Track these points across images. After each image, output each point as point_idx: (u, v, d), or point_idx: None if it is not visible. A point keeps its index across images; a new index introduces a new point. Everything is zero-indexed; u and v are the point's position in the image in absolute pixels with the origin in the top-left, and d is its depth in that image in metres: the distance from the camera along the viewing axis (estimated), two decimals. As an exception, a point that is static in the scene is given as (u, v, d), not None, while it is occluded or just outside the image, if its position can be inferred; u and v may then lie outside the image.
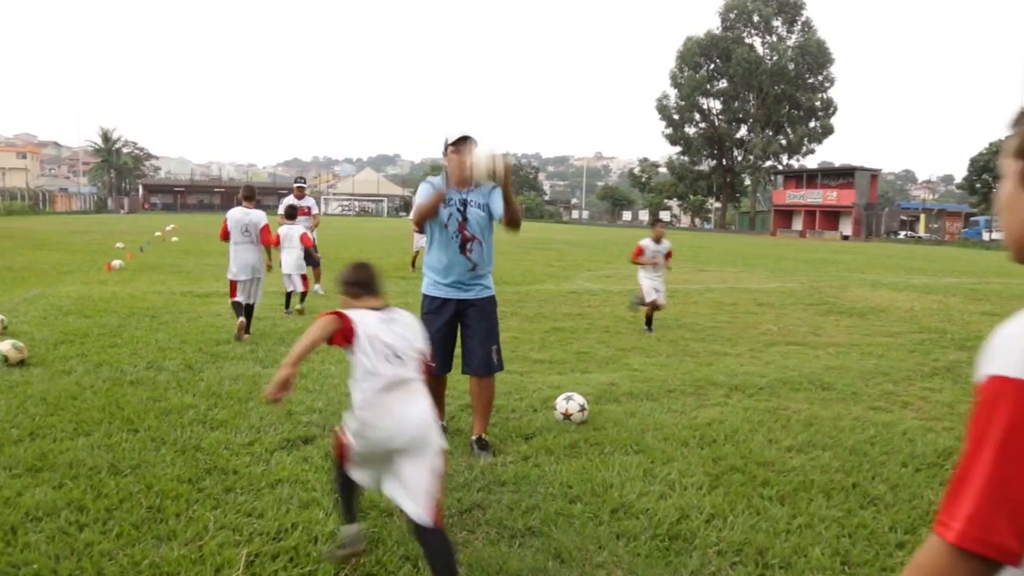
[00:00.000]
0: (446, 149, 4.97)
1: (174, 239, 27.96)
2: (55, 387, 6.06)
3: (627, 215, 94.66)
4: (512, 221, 4.93)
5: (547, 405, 5.95)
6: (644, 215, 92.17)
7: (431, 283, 5.13)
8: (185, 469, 4.38)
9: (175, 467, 4.41)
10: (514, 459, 4.76)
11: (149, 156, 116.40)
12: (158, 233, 30.78)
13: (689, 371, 7.55)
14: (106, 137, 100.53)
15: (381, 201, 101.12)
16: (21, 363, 6.80)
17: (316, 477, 4.31)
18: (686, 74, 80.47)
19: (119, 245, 23.59)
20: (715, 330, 10.34)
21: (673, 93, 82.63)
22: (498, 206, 4.88)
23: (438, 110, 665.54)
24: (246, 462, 4.53)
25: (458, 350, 5.23)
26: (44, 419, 5.21)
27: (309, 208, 13.03)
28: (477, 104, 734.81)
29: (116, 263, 16.59)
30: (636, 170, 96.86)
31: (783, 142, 79.98)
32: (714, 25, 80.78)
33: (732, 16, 78.61)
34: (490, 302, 5.15)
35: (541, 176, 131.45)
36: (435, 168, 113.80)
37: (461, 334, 5.14)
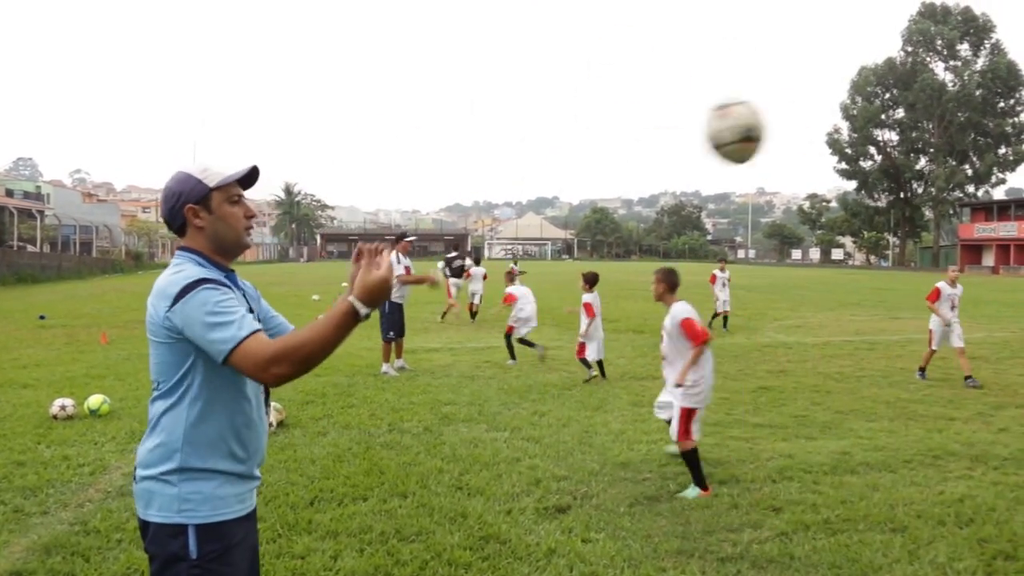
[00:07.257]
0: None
1: (361, 289, 29.40)
2: (319, 450, 6.67)
3: (796, 253, 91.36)
4: None
5: (785, 476, 5.98)
6: (815, 253, 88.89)
7: None
8: (462, 537, 4.75)
9: (453, 535, 4.79)
10: (771, 535, 4.82)
11: (324, 206, 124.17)
12: (344, 283, 32.46)
13: (920, 438, 7.30)
14: (288, 190, 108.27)
15: (544, 244, 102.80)
16: (280, 424, 7.52)
17: (588, 549, 4.56)
18: (859, 105, 77.48)
19: (315, 297, 25.28)
20: (932, 389, 9.90)
21: (845, 126, 79.82)
22: None
23: (595, 149, 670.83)
24: (516, 532, 4.84)
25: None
26: (321, 483, 5.76)
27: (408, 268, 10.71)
28: (633, 142, 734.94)
29: (322, 317, 17.83)
30: (805, 206, 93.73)
31: (969, 172, 75.18)
32: (879, 55, 77.84)
33: (915, 40, 75.14)
34: None
35: (703, 215, 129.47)
36: (595, 210, 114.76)
37: None
